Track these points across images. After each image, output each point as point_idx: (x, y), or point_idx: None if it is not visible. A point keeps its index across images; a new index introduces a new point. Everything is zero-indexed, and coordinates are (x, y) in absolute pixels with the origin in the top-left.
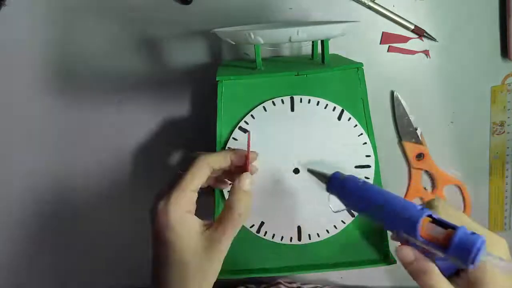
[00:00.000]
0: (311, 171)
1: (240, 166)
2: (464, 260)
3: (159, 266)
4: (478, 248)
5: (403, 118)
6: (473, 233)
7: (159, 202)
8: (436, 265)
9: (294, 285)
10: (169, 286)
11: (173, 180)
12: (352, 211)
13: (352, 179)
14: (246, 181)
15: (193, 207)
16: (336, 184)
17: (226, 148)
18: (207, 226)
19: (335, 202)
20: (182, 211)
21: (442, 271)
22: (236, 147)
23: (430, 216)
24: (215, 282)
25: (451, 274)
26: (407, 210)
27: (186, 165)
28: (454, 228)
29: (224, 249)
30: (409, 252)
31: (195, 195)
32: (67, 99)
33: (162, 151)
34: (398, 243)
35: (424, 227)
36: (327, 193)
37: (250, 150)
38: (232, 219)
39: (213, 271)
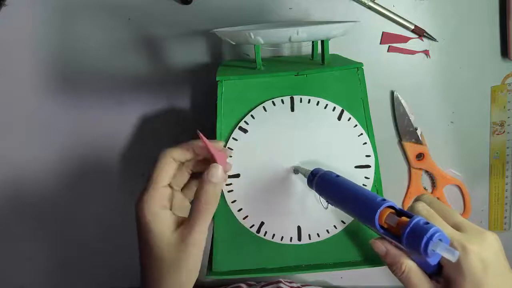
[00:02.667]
0: (296, 169)
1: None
2: (416, 249)
3: (141, 262)
4: (428, 237)
5: (403, 118)
6: (427, 223)
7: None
8: (416, 262)
9: (294, 284)
10: (149, 281)
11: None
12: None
13: (328, 174)
14: (213, 173)
15: (167, 202)
16: (315, 180)
17: (226, 148)
18: (180, 222)
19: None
20: (155, 207)
21: (423, 269)
22: (235, 148)
23: (392, 207)
24: (215, 282)
25: (433, 272)
26: (369, 202)
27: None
28: (410, 218)
29: (197, 242)
30: (380, 245)
31: (168, 190)
32: (67, 99)
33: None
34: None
35: (386, 217)
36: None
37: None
38: (199, 210)
39: (190, 265)
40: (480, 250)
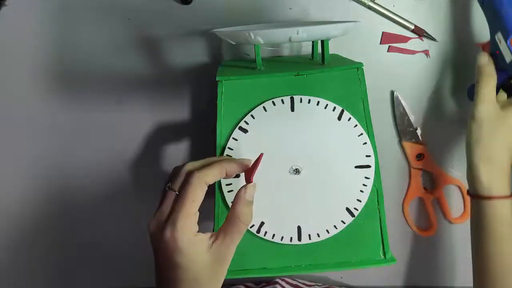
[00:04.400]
0: (296, 169)
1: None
2: None
3: (170, 285)
4: None
5: (403, 118)
6: None
7: (164, 230)
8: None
9: (293, 282)
10: None
11: (163, 198)
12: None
13: None
14: (251, 193)
15: (197, 227)
16: None
17: (226, 148)
18: (213, 239)
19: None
20: (190, 235)
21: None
22: (235, 148)
23: None
24: None
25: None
26: None
27: (174, 178)
28: None
29: (231, 257)
30: (486, 56)
31: (198, 214)
32: (67, 99)
33: (162, 151)
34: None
35: None
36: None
37: (247, 159)
38: (238, 231)
39: (222, 279)
40: None
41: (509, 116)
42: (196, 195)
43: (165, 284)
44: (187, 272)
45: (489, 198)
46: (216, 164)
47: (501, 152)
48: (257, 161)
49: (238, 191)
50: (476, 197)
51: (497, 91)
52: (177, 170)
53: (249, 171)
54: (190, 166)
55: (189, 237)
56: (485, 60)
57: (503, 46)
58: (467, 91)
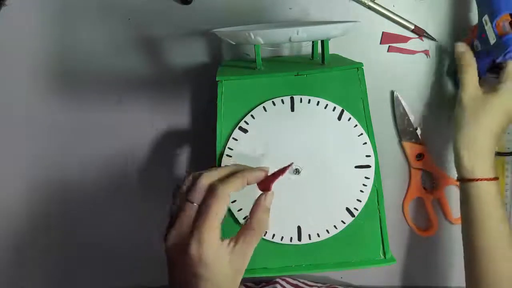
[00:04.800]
0: (297, 170)
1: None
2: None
3: None
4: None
5: (403, 118)
6: None
7: (189, 244)
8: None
9: (293, 281)
10: None
11: (182, 210)
12: None
13: None
14: (271, 200)
15: (220, 239)
16: None
17: (226, 148)
18: (233, 244)
19: None
20: (214, 249)
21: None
22: (235, 148)
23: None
24: None
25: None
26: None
27: (192, 190)
28: None
29: (247, 263)
30: (464, 45)
31: (220, 227)
32: (67, 99)
33: (162, 150)
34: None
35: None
36: None
37: (265, 167)
38: (258, 238)
39: (238, 285)
40: None
41: (491, 101)
42: (219, 208)
43: None
44: (211, 284)
45: (472, 180)
46: (238, 174)
47: (483, 136)
48: (283, 170)
49: (257, 199)
50: (461, 181)
51: (486, 75)
52: (194, 180)
53: (269, 179)
54: (209, 177)
55: (214, 251)
56: (462, 49)
57: (488, 27)
58: (454, 80)
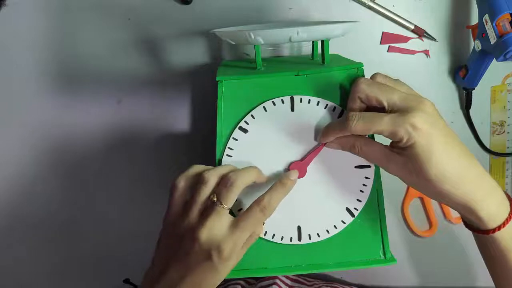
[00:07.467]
0: None
1: None
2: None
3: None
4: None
5: None
6: None
7: (212, 244)
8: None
9: (293, 276)
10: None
11: (193, 203)
12: None
13: None
14: (292, 174)
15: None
16: None
17: (226, 148)
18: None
19: None
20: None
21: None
22: (235, 148)
23: None
24: None
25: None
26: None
27: (200, 186)
28: None
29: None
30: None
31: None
32: (67, 99)
33: (162, 150)
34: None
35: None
36: None
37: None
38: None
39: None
40: (425, 114)
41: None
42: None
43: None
44: (221, 276)
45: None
46: (249, 168)
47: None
48: (317, 151)
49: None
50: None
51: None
52: (200, 177)
53: (306, 162)
54: (217, 169)
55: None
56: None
57: (489, 27)
58: (454, 76)
